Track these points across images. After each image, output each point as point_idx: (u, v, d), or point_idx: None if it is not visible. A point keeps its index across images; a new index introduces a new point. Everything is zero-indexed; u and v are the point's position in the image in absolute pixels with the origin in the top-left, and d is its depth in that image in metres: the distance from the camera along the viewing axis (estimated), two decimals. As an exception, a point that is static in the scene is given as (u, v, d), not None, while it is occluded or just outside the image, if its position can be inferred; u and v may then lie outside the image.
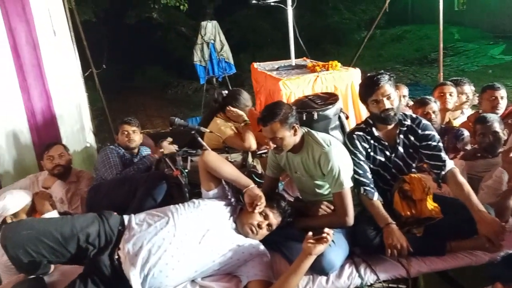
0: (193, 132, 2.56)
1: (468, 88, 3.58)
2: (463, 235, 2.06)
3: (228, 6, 14.39)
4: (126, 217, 2.01)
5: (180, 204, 2.07)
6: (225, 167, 2.14)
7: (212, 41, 7.61)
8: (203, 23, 7.68)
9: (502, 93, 3.12)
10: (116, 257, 1.85)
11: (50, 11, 3.61)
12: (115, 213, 2.02)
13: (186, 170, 2.35)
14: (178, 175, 2.32)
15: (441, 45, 5.16)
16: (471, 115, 3.33)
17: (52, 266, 2.08)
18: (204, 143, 2.61)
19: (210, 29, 7.59)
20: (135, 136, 3.11)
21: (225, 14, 14.19)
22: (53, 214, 2.28)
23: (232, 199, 2.18)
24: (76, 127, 3.93)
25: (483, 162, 2.62)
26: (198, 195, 2.24)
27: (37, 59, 3.42)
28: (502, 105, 3.11)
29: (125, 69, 14.60)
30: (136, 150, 3.15)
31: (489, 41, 12.86)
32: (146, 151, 3.20)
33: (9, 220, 2.28)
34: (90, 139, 4.24)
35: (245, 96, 3.14)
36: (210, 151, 2.33)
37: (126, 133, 3.09)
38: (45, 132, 3.48)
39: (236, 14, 15.09)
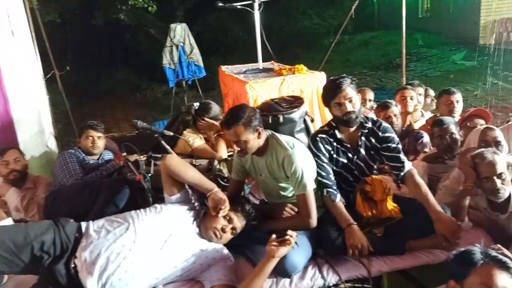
0: (156, 135, 2.51)
1: (422, 90, 3.74)
2: (421, 234, 2.12)
3: (199, 9, 14.31)
4: (83, 224, 1.94)
5: (141, 210, 2.02)
6: (188, 171, 2.11)
7: (182, 44, 7.54)
8: (172, 26, 7.60)
9: (457, 97, 3.27)
10: (73, 265, 1.78)
11: (8, 10, 3.46)
12: (72, 220, 1.95)
13: (149, 175, 2.31)
14: (141, 179, 2.28)
15: (404, 51, 5.35)
16: (430, 118, 3.47)
17: (6, 277, 1.99)
18: (168, 147, 2.57)
19: (180, 31, 7.52)
20: (100, 142, 3.02)
21: (196, 16, 14.10)
22: (7, 221, 2.19)
23: (196, 204, 2.15)
24: (35, 131, 3.77)
25: (443, 163, 2.72)
26: (163, 200, 2.20)
27: (-7, 60, 3.27)
28: (458, 108, 3.26)
29: (92, 72, 14.20)
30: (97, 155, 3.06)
31: (451, 47, 13.41)
32: (108, 155, 3.11)
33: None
34: (51, 144, 4.09)
35: (216, 108, 3.15)
36: (173, 155, 2.31)
37: (91, 138, 2.98)
38: (1, 136, 3.32)
39: (208, 17, 15.02)
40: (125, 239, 1.83)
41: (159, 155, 2.57)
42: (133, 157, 2.55)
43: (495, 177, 2.11)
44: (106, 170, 2.82)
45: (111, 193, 2.36)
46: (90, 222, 1.97)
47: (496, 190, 2.12)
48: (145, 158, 2.48)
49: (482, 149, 2.24)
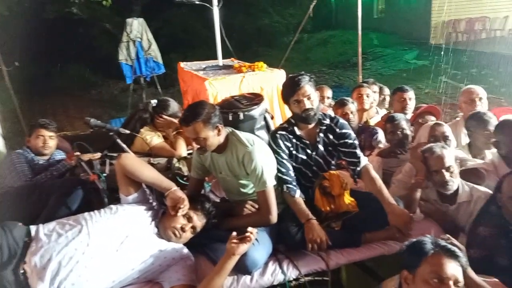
0: (111, 134, 2.43)
1: (377, 88, 3.89)
2: (376, 226, 2.20)
3: (157, 4, 13.98)
4: (33, 228, 1.84)
5: (95, 211, 1.95)
6: (145, 170, 2.06)
7: (139, 39, 7.32)
8: (129, 20, 7.36)
9: (410, 94, 3.44)
10: (22, 271, 1.69)
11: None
12: (20, 224, 1.84)
13: (104, 175, 2.22)
14: (95, 179, 2.19)
15: (360, 50, 5.51)
16: (384, 115, 3.60)
17: None
18: (124, 146, 2.49)
19: (137, 26, 7.29)
20: (51, 142, 2.87)
21: (155, 12, 13.75)
22: None
23: (154, 203, 2.10)
24: (-21, 130, 3.54)
25: (396, 158, 2.83)
26: (119, 201, 2.13)
27: None
28: (411, 105, 3.43)
29: (43, 67, 13.47)
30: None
31: (404, 47, 14.00)
32: (59, 155, 2.97)
33: None
34: (-2, 143, 3.85)
35: (174, 105, 3.08)
36: (128, 153, 2.24)
37: (41, 138, 2.83)
38: None
39: (167, 12, 14.71)
40: (78, 242, 1.76)
41: (114, 154, 2.48)
42: (86, 157, 2.45)
43: (444, 170, 2.22)
44: (57, 171, 2.69)
45: (62, 194, 2.25)
46: (40, 225, 1.87)
47: (445, 183, 2.23)
48: (99, 157, 2.38)
49: (432, 144, 2.36)
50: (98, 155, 2.45)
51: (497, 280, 1.72)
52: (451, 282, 1.37)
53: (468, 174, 2.44)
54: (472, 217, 2.16)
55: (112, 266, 1.77)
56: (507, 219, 1.89)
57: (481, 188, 2.30)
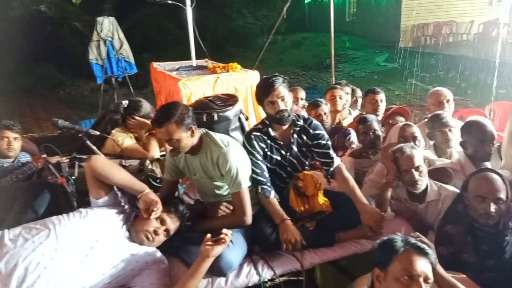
0: (80, 135, 2.35)
1: (349, 90, 3.96)
2: (349, 225, 2.23)
3: (129, 3, 13.72)
4: (-3, 233, 1.76)
5: (64, 215, 1.88)
6: (116, 172, 2.00)
7: (110, 39, 7.18)
8: (99, 19, 7.20)
9: (381, 96, 3.53)
10: (-15, 279, 1.61)
11: None
12: (-17, 230, 1.75)
13: (73, 177, 2.15)
14: (63, 183, 2.12)
15: (333, 52, 5.60)
16: (356, 116, 3.67)
17: None
18: (94, 148, 2.42)
19: (107, 25, 7.14)
20: (16, 143, 2.80)
21: (126, 11, 13.49)
22: None
23: (126, 206, 2.05)
24: None
25: (367, 158, 2.89)
26: (89, 204, 2.07)
27: None
28: (382, 107, 3.52)
29: (9, 67, 12.94)
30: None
31: (375, 49, 14.35)
32: (25, 157, 2.86)
33: None
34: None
35: (147, 106, 3.02)
36: (99, 155, 2.17)
37: (6, 139, 2.76)
38: None
39: (139, 11, 14.46)
40: (46, 247, 1.69)
41: (84, 156, 2.40)
42: (54, 159, 2.37)
43: (413, 170, 2.28)
44: (23, 173, 2.59)
45: (29, 198, 2.18)
46: (5, 230, 1.79)
47: (414, 182, 2.29)
48: (68, 159, 2.31)
49: (402, 144, 2.42)
50: (67, 157, 2.37)
51: (464, 276, 1.78)
52: (421, 279, 1.40)
53: (436, 174, 2.52)
54: (440, 215, 2.22)
55: (81, 271, 1.72)
56: (473, 217, 1.96)
57: (449, 187, 2.37)
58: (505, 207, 1.90)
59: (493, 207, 1.87)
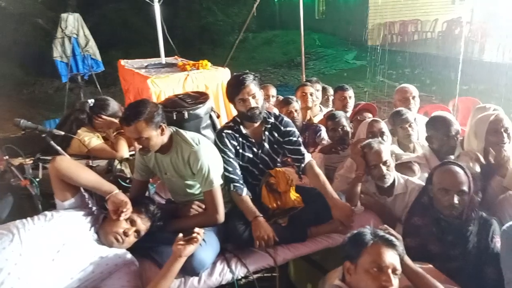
0: (44, 135, 2.26)
1: (319, 87, 4.02)
2: (321, 220, 2.26)
3: (95, -1, 13.34)
4: (-44, 240, 1.66)
5: (28, 218, 1.80)
6: (82, 173, 1.94)
7: (75, 36, 6.91)
8: (63, 15, 6.91)
9: (350, 93, 3.61)
10: None
11: None
12: None
13: (37, 179, 2.07)
14: (27, 185, 2.03)
15: (303, 50, 5.65)
16: (326, 113, 3.73)
17: None
18: (59, 148, 2.34)
19: (72, 22, 6.87)
20: None
21: (91, 7, 13.09)
22: None
23: (94, 208, 1.99)
24: None
25: (337, 154, 2.94)
26: (55, 207, 1.99)
27: None
28: (351, 103, 3.61)
29: (-33, 65, 12.30)
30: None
31: (344, 47, 14.63)
32: (-15, 159, 2.73)
33: None
34: None
35: (114, 104, 2.94)
36: (63, 156, 2.10)
37: None
38: None
39: (105, 8, 14.06)
40: (9, 252, 1.62)
41: (48, 158, 2.32)
42: (17, 161, 2.27)
43: (381, 165, 2.34)
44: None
45: (-10, 202, 2.07)
46: (-35, 237, 1.69)
47: (382, 176, 2.35)
48: (31, 161, 2.22)
49: (370, 140, 2.47)
50: (30, 159, 2.28)
51: (431, 266, 1.85)
52: (389, 270, 1.44)
53: (403, 167, 2.60)
54: (407, 208, 2.28)
55: (48, 276, 1.65)
56: (438, 209, 2.02)
57: (415, 180, 2.45)
58: (468, 199, 1.97)
59: (456, 199, 1.94)
